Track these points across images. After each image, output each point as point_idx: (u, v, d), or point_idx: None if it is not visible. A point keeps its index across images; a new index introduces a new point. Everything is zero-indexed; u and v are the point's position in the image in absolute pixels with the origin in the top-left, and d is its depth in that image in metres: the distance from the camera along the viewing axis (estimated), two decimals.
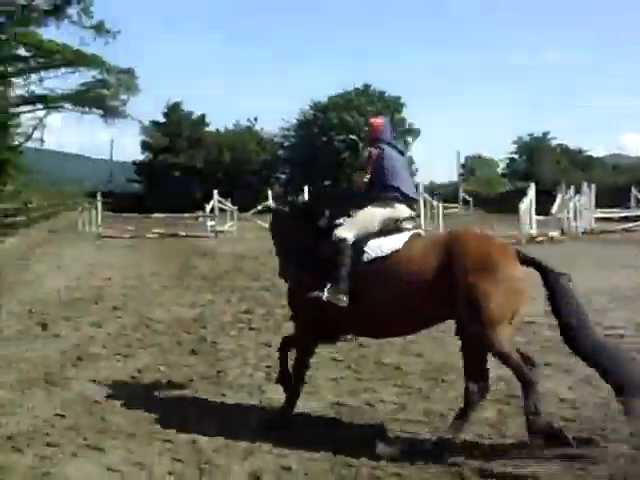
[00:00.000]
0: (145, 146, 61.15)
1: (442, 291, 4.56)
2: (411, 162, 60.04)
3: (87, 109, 44.87)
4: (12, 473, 4.36)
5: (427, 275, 4.60)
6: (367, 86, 60.48)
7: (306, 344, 5.27)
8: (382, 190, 5.18)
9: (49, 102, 42.75)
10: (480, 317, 4.45)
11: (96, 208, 26.67)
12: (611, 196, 32.58)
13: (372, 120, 5.68)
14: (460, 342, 4.79)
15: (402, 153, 5.54)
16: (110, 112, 45.26)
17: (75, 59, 40.65)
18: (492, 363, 6.71)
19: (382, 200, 5.15)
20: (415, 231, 5.14)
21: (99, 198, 27.35)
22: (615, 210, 29.70)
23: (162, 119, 61.64)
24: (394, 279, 4.72)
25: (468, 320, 4.53)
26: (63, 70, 42.13)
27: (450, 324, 4.85)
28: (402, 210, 5.18)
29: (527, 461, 4.39)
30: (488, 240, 4.96)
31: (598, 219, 27.32)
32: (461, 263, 4.56)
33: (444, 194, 41.31)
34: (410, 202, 5.31)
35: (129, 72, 44.35)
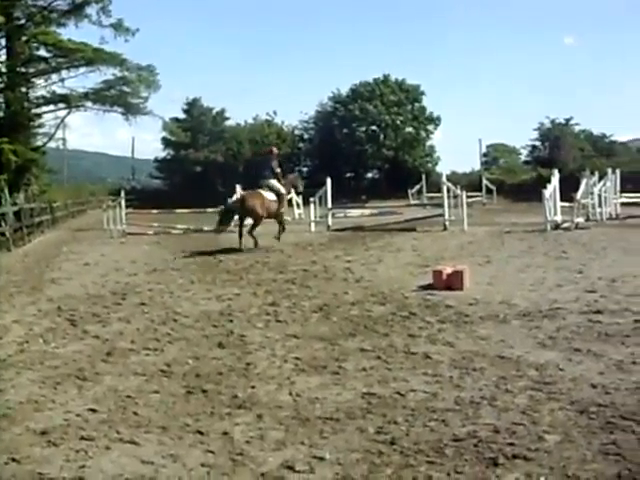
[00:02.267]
0: (166, 142, 61.48)
1: None
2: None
3: (108, 107, 45.06)
4: (48, 466, 4.41)
5: None
6: (386, 76, 60.30)
7: None
8: None
9: (70, 102, 42.94)
10: None
11: (120, 205, 26.79)
12: (636, 181, 32.32)
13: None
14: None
15: None
16: (131, 109, 45.41)
17: (95, 58, 40.82)
18: (526, 349, 6.75)
19: None
20: None
21: (122, 195, 27.47)
22: None
23: (182, 115, 61.91)
24: None
25: None
26: (83, 69, 42.29)
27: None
28: None
29: (560, 447, 4.36)
30: None
31: (623, 204, 27.11)
32: None
33: (467, 183, 41.01)
34: None
35: (149, 69, 44.47)
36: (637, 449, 4.28)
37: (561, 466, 4.09)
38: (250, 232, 18.30)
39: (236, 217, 19.59)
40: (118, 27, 40.58)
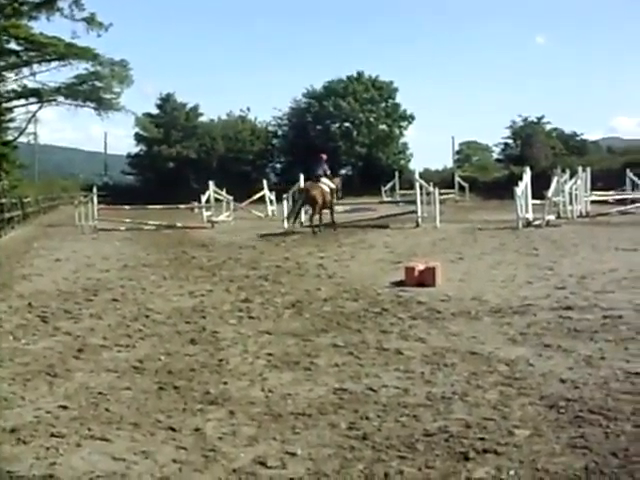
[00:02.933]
0: (139, 138, 61.03)
1: None
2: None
3: (81, 102, 44.71)
4: (18, 464, 4.37)
5: None
6: (360, 73, 60.40)
7: None
8: None
9: (42, 96, 42.57)
10: None
11: (92, 201, 26.58)
12: (606, 179, 32.67)
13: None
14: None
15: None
16: (103, 104, 45.09)
17: (67, 52, 40.53)
18: (497, 345, 6.81)
19: None
20: None
21: (95, 191, 27.26)
22: (610, 193, 29.81)
23: (156, 110, 61.52)
24: None
25: None
26: (55, 63, 41.99)
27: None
28: None
29: (530, 441, 4.41)
30: None
31: (593, 202, 27.40)
32: None
33: (439, 180, 41.17)
34: None
35: (122, 64, 44.18)
36: (604, 442, 4.34)
37: (530, 460, 4.13)
38: (311, 218, 21.94)
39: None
40: (91, 21, 40.32)
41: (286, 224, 22.52)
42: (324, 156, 24.15)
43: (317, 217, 21.77)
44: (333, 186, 22.95)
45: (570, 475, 3.91)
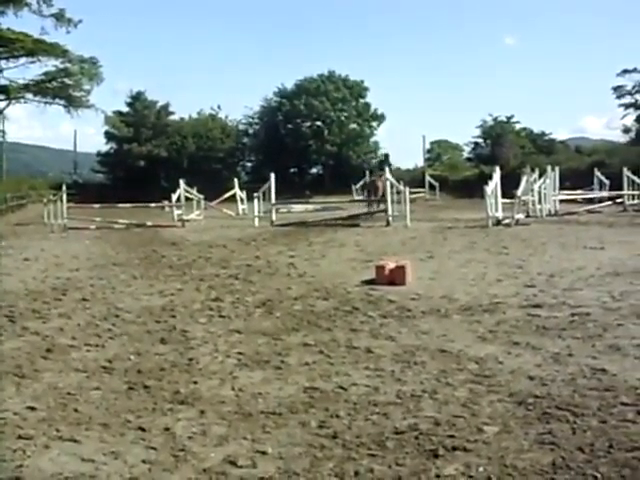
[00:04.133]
0: (109, 136, 60.48)
1: None
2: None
3: (50, 99, 44.24)
4: None
5: None
6: (331, 72, 60.44)
7: None
8: None
9: (10, 93, 42.05)
10: None
11: (61, 200, 26.31)
12: (574, 178, 33.03)
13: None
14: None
15: None
16: (73, 102, 44.65)
17: (35, 48, 40.08)
18: (467, 343, 6.86)
19: None
20: None
21: (64, 190, 26.97)
22: (578, 192, 30.14)
23: (126, 108, 61.02)
24: None
25: None
26: (23, 60, 41.48)
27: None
28: None
29: (499, 438, 4.45)
30: None
31: (562, 201, 27.69)
32: None
33: (410, 179, 41.34)
34: None
35: (92, 61, 43.79)
36: (571, 437, 4.40)
37: (499, 456, 4.17)
38: (371, 205, 28.43)
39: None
40: (60, 17, 39.90)
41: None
42: (390, 157, 32.28)
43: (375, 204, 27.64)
44: (381, 184, 27.96)
45: (537, 471, 3.95)
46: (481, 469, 4.01)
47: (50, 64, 42.57)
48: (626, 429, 4.51)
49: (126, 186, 51.17)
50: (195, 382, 5.95)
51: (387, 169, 26.78)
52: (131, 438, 4.72)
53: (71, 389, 5.84)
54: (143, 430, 4.85)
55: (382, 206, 26.28)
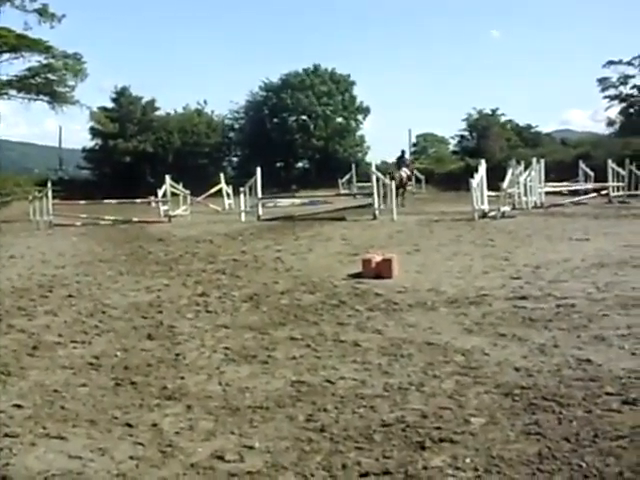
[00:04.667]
0: (94, 132, 60.13)
1: None
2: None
3: (34, 96, 43.95)
4: None
5: None
6: (317, 66, 60.32)
7: None
8: None
9: None
10: None
11: (47, 196, 26.17)
12: (559, 171, 33.15)
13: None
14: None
15: None
16: (57, 98, 44.37)
17: (18, 44, 39.79)
18: (453, 335, 6.89)
19: None
20: None
21: (49, 186, 26.83)
22: (564, 184, 30.27)
23: (111, 104, 60.69)
24: None
25: None
26: (7, 55, 41.17)
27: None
28: None
29: (485, 429, 4.48)
30: None
31: (548, 193, 27.80)
32: None
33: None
34: None
35: (76, 57, 43.51)
36: (557, 428, 4.43)
37: (486, 447, 4.20)
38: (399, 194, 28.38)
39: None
40: (43, 12, 39.59)
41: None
42: (405, 153, 35.72)
43: (401, 192, 29.03)
44: (409, 173, 32.67)
45: (524, 461, 3.98)
46: (468, 460, 4.04)
47: (34, 60, 42.30)
48: (611, 418, 4.55)
49: (112, 182, 50.90)
50: (182, 377, 5.95)
51: (405, 164, 31.84)
52: (118, 434, 4.72)
53: (58, 386, 5.82)
54: (130, 426, 4.84)
55: (404, 194, 30.39)
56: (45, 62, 42.74)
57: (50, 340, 7.48)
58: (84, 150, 61.69)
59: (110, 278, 11.89)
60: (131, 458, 4.32)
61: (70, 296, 10.16)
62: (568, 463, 3.92)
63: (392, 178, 27.37)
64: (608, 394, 5.01)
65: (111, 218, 26.25)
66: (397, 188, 27.71)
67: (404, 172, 31.16)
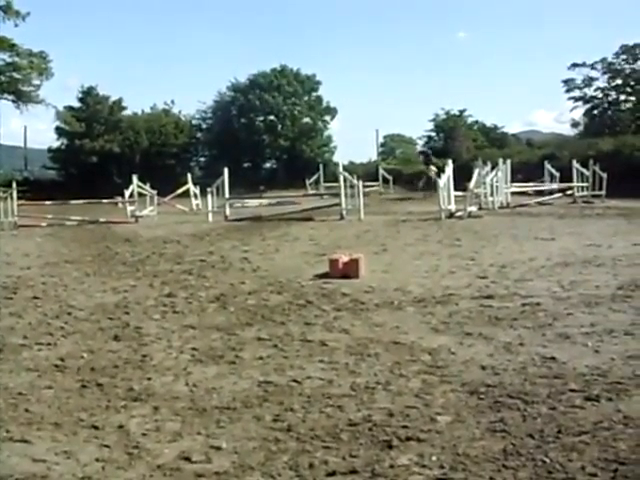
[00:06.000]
0: (60, 132, 59.50)
1: None
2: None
3: None
4: None
5: None
6: (283, 66, 60.28)
7: None
8: None
9: None
10: None
11: (11, 197, 25.85)
12: (526, 171, 33.45)
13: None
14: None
15: None
16: (22, 97, 43.82)
17: None
18: (420, 334, 6.93)
19: None
20: None
21: (14, 187, 26.49)
22: (530, 184, 30.56)
23: (77, 104, 60.09)
24: None
25: None
26: None
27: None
28: None
29: (451, 427, 4.51)
30: None
31: (514, 193, 28.05)
32: None
33: (364, 173, 41.46)
34: None
35: (41, 55, 43.00)
36: (521, 425, 4.48)
37: (452, 445, 4.23)
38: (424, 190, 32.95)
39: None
40: (7, 10, 39.04)
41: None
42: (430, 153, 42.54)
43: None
44: (435, 170, 33.88)
45: (489, 458, 4.02)
46: (434, 458, 4.07)
47: None
48: (574, 415, 4.61)
49: (78, 182, 50.41)
50: (149, 378, 5.92)
51: (432, 162, 37.40)
52: (84, 437, 4.68)
53: (22, 389, 5.75)
54: (96, 428, 4.80)
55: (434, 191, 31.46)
56: (9, 60, 42.22)
57: (14, 342, 7.39)
58: (50, 150, 61.02)
59: (76, 279, 11.78)
60: (97, 460, 4.28)
61: (35, 297, 10.05)
62: (532, 459, 3.97)
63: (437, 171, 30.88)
64: (572, 391, 5.08)
65: (77, 218, 26.01)
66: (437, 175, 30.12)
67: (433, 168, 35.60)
